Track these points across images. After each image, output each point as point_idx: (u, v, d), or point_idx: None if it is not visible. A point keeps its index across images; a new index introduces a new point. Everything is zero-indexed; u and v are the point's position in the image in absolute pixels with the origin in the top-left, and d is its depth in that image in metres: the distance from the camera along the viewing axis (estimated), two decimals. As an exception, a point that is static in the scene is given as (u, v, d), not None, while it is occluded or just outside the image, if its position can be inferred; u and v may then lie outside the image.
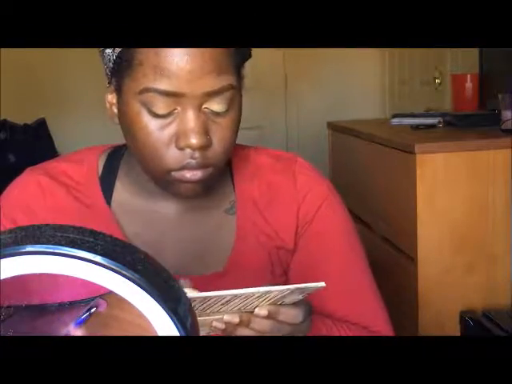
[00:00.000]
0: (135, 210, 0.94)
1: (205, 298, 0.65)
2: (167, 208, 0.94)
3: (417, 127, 2.08)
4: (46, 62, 3.41)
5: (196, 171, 0.84)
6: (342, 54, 3.44)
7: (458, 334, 1.69)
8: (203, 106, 0.82)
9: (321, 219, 0.96)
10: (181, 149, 0.83)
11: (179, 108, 0.82)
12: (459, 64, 2.73)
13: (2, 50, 2.98)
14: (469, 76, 2.32)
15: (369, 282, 0.98)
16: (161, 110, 0.82)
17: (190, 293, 0.63)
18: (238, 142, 0.99)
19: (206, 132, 0.82)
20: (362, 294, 0.97)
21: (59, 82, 3.49)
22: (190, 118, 0.82)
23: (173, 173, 0.84)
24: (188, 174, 0.84)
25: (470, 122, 1.99)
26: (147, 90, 0.81)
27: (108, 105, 0.88)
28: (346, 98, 3.66)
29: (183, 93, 0.80)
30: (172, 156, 0.83)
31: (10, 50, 2.94)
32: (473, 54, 2.46)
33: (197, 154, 0.83)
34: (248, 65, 0.91)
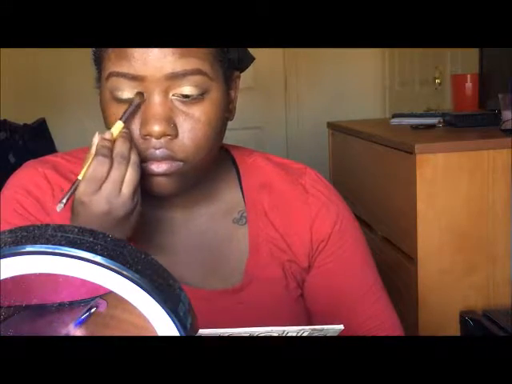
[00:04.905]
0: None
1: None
2: (170, 214, 0.90)
3: (417, 127, 2.08)
4: (46, 63, 3.41)
5: (161, 163, 0.80)
6: (342, 54, 3.44)
7: (458, 333, 1.69)
8: (171, 93, 0.79)
9: (336, 240, 0.93)
10: (143, 137, 0.79)
11: (145, 95, 0.79)
12: (459, 64, 2.73)
13: (3, 50, 2.98)
14: (469, 76, 2.32)
15: (383, 292, 0.97)
16: (124, 95, 0.79)
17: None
18: (238, 142, 0.99)
19: (169, 119, 0.78)
20: (381, 306, 0.96)
21: (59, 82, 3.49)
22: (153, 104, 0.78)
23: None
24: (153, 166, 0.80)
25: (470, 122, 1.99)
26: (111, 74, 0.79)
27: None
28: (345, 98, 3.66)
29: (143, 75, 0.78)
30: (136, 146, 0.79)
31: (11, 50, 2.94)
32: (473, 54, 2.46)
33: (159, 144, 0.79)
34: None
